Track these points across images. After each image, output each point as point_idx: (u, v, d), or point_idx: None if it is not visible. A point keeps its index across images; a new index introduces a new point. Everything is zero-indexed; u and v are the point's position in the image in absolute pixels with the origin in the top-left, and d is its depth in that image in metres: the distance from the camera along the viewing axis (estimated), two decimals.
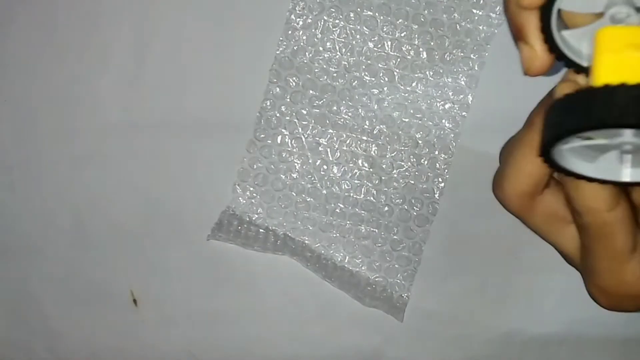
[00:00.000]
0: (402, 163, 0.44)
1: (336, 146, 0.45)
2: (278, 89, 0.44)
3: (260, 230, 0.45)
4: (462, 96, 0.44)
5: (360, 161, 0.45)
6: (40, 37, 0.45)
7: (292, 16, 0.44)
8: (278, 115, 0.44)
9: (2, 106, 0.45)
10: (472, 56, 0.43)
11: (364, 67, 0.44)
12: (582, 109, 0.23)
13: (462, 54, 0.44)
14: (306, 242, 0.45)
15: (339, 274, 0.45)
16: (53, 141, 0.45)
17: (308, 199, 0.45)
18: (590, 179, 0.26)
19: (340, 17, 0.44)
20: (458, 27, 0.43)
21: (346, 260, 0.45)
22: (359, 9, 0.44)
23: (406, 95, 0.44)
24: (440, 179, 0.44)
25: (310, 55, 0.44)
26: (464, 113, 0.44)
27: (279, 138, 0.45)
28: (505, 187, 0.31)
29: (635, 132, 0.24)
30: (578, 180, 0.27)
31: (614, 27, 0.25)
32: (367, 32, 0.44)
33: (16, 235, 0.46)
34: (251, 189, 0.45)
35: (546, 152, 0.25)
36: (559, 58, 0.28)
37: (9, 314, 0.47)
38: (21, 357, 0.47)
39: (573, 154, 0.26)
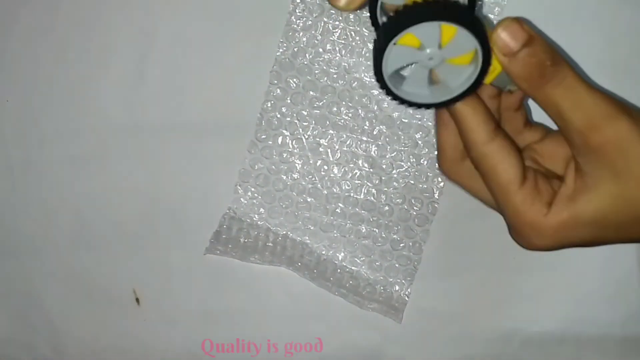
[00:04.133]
0: (402, 163, 0.45)
1: (336, 147, 0.45)
2: (279, 90, 0.44)
3: (260, 234, 0.45)
4: None
5: (360, 161, 0.45)
6: (41, 38, 0.45)
7: (292, 18, 0.44)
8: (279, 116, 0.45)
9: (4, 106, 0.46)
10: None
11: (363, 68, 0.44)
12: (393, 20, 0.30)
13: None
14: (307, 242, 0.45)
15: (338, 278, 0.45)
16: (55, 141, 0.46)
17: (309, 199, 0.45)
18: (425, 105, 0.32)
19: (340, 18, 0.44)
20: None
21: (347, 260, 0.45)
22: (358, 11, 0.44)
23: None
24: (439, 179, 0.44)
25: (311, 56, 0.44)
26: None
27: (280, 139, 0.45)
28: (439, 162, 0.35)
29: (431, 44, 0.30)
30: (462, 116, 0.32)
31: None
32: (366, 34, 0.44)
33: (19, 234, 0.46)
34: (252, 189, 0.45)
35: (380, 78, 0.31)
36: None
37: (12, 313, 0.47)
38: (24, 355, 0.47)
39: (407, 85, 0.31)
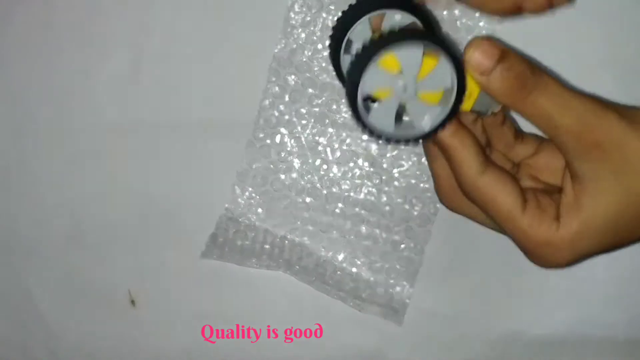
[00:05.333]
0: (403, 162, 0.44)
1: (336, 145, 0.44)
2: (277, 88, 0.44)
3: (258, 236, 0.45)
4: None
5: (360, 160, 0.44)
6: (38, 36, 0.45)
7: (291, 14, 0.43)
8: (277, 114, 0.44)
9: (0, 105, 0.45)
10: None
11: None
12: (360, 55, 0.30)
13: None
14: (306, 243, 0.45)
15: (337, 280, 0.45)
16: (51, 141, 0.45)
17: (308, 199, 0.45)
18: (393, 139, 0.32)
19: (339, 14, 0.43)
20: (459, 24, 0.43)
21: (346, 261, 0.45)
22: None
23: None
24: None
25: (310, 53, 0.44)
26: None
27: (278, 137, 0.44)
28: (437, 194, 0.36)
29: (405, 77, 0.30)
30: (451, 149, 0.32)
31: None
32: None
33: (13, 235, 0.46)
34: (250, 189, 0.45)
35: (353, 101, 0.30)
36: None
37: (6, 314, 0.47)
38: (19, 357, 0.47)
39: (374, 116, 0.31)
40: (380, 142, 0.33)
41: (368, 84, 0.30)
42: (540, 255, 0.32)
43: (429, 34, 0.31)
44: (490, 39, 0.30)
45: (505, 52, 0.30)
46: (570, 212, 0.31)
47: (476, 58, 0.30)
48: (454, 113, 0.31)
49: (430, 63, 0.31)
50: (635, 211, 0.31)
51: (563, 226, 0.31)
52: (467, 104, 0.32)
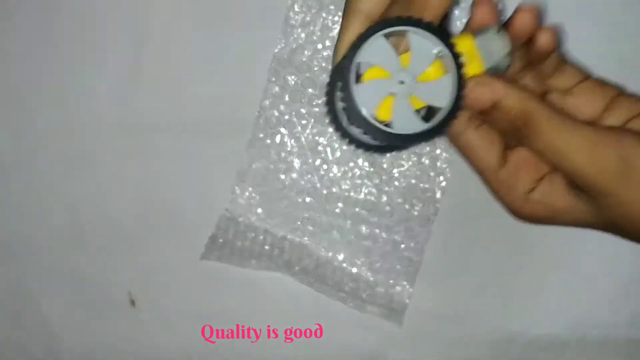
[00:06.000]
0: (403, 162, 0.44)
1: (336, 145, 0.44)
2: (277, 88, 0.44)
3: (258, 237, 0.45)
4: None
5: (360, 160, 0.44)
6: (38, 37, 0.45)
7: (291, 14, 0.43)
8: (277, 114, 0.44)
9: (0, 106, 0.45)
10: None
11: None
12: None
13: None
14: (306, 243, 0.45)
15: (337, 281, 0.45)
16: (51, 141, 0.45)
17: (308, 199, 0.44)
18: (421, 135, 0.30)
19: (339, 14, 0.43)
20: (458, 23, 0.43)
21: (347, 261, 0.45)
22: None
23: None
24: (441, 178, 0.44)
25: (309, 53, 0.44)
26: None
27: (278, 137, 0.44)
28: (508, 207, 0.35)
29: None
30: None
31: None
32: None
33: (14, 235, 0.46)
34: (250, 189, 0.45)
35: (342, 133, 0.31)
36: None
37: (6, 315, 0.46)
38: (19, 357, 0.47)
39: (397, 125, 0.29)
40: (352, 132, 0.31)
41: (365, 100, 0.29)
42: (506, 210, 0.33)
43: (452, 44, 0.29)
44: (485, 81, 0.30)
45: (495, 103, 0.30)
46: (546, 198, 0.32)
47: (472, 100, 0.30)
48: (428, 136, 0.30)
49: (436, 72, 0.30)
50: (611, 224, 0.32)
51: (530, 206, 0.32)
52: (476, 67, 0.30)
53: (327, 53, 0.43)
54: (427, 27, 0.29)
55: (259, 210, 0.45)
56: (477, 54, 0.30)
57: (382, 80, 0.29)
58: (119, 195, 0.45)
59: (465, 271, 0.45)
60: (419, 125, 0.29)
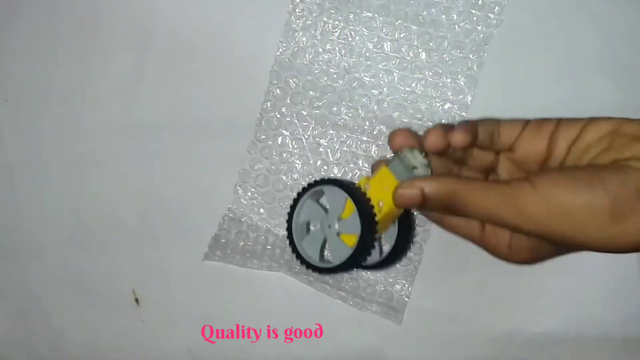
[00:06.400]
0: None
1: (336, 147, 0.45)
2: (278, 90, 0.44)
3: (260, 237, 0.45)
4: (461, 96, 0.44)
5: (360, 161, 0.45)
6: (41, 38, 0.45)
7: (292, 18, 0.44)
8: (279, 116, 0.45)
9: (3, 106, 0.46)
10: (471, 56, 0.44)
11: (363, 68, 0.44)
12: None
13: (461, 55, 0.44)
14: None
15: (337, 280, 0.45)
16: (54, 141, 0.46)
17: None
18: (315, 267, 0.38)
19: (340, 18, 0.44)
20: (456, 27, 0.44)
21: None
22: (358, 10, 0.44)
23: (406, 95, 0.44)
24: None
25: (310, 56, 0.44)
26: (463, 113, 0.44)
27: (280, 139, 0.45)
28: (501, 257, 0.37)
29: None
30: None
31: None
32: (366, 33, 0.44)
33: (18, 235, 0.46)
34: (252, 189, 0.45)
35: (289, 234, 0.38)
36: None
37: (10, 313, 0.47)
38: (23, 355, 0.47)
39: (307, 245, 0.39)
40: (307, 269, 0.38)
41: (303, 213, 0.38)
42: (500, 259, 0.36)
43: (353, 187, 0.36)
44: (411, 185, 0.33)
45: (424, 197, 0.33)
46: (521, 245, 0.35)
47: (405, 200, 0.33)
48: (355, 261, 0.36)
49: (349, 210, 0.36)
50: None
51: (515, 255, 0.35)
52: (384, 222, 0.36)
53: (328, 56, 0.44)
54: (334, 182, 0.36)
55: (261, 210, 0.45)
56: (390, 175, 0.35)
57: (316, 230, 0.38)
58: (122, 195, 0.45)
59: (463, 270, 0.45)
60: (348, 251, 0.36)
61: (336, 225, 0.37)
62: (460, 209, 0.32)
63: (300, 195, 0.38)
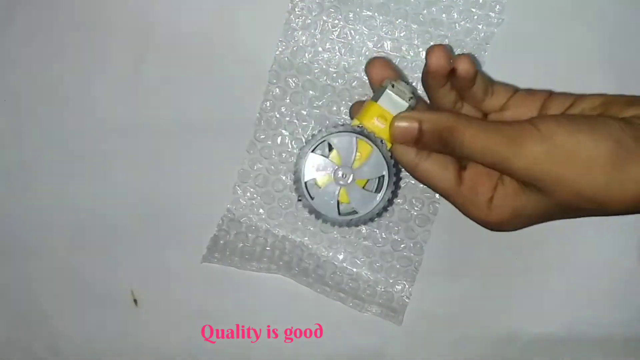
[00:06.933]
0: None
1: None
2: (278, 90, 0.44)
3: (259, 238, 0.45)
4: None
5: None
6: (39, 37, 0.45)
7: (291, 17, 0.44)
8: (278, 116, 0.44)
9: (1, 106, 0.46)
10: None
11: (363, 67, 0.44)
12: None
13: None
14: (306, 243, 0.45)
15: (337, 281, 0.45)
16: (53, 141, 0.45)
17: None
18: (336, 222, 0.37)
19: (340, 17, 0.44)
20: (457, 26, 0.43)
21: (347, 261, 0.45)
22: (358, 9, 0.44)
23: None
24: None
25: (310, 55, 0.44)
26: None
27: (279, 139, 0.45)
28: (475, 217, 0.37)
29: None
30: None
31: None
32: (366, 32, 0.44)
33: (16, 235, 0.46)
34: (251, 189, 0.45)
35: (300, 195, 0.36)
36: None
37: (10, 314, 0.47)
38: (22, 356, 0.47)
39: (319, 203, 0.36)
40: (327, 224, 0.37)
41: (308, 168, 0.36)
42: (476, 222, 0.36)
43: (361, 129, 0.35)
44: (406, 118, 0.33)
45: (420, 133, 0.33)
46: (504, 201, 0.34)
47: (399, 133, 0.33)
48: (389, 200, 0.36)
49: (364, 152, 0.35)
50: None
51: (495, 213, 0.34)
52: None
53: (327, 55, 0.44)
54: (336, 127, 0.35)
55: (261, 211, 0.45)
56: (386, 110, 0.34)
57: (330, 184, 0.36)
58: (121, 196, 0.45)
59: (464, 271, 0.45)
60: (375, 198, 0.36)
61: (351, 174, 0.36)
62: (456, 147, 0.32)
63: (303, 151, 0.37)
